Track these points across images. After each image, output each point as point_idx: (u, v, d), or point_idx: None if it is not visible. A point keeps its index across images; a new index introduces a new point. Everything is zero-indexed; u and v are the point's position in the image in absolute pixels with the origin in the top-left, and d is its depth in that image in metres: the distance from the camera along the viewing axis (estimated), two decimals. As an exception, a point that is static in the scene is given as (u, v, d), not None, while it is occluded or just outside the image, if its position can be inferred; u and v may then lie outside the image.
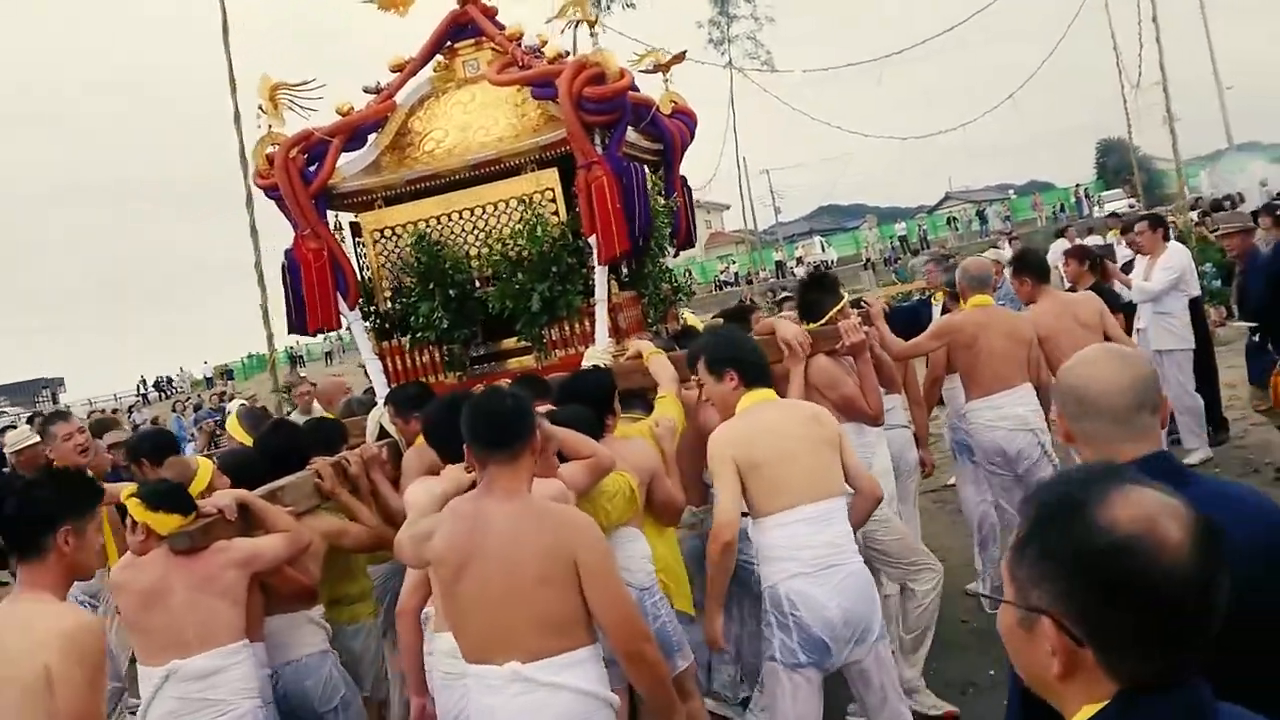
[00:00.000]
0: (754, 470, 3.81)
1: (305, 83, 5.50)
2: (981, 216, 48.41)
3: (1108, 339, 5.96)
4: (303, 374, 19.72)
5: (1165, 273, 8.12)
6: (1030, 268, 6.46)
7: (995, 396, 5.78)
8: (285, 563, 3.89)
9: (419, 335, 5.49)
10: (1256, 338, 7.53)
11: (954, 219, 51.72)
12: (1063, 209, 48.48)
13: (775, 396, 4.06)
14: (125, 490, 3.86)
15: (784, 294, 10.73)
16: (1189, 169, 38.92)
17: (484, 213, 5.50)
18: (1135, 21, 24.87)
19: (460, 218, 5.53)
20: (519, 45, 5.72)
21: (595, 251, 5.21)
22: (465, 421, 3.20)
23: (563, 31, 5.47)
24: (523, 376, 5.20)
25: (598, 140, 5.20)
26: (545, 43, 5.57)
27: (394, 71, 5.88)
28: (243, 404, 11.28)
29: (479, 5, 5.97)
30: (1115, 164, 63.17)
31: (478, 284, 5.51)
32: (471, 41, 5.96)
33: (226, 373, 52.66)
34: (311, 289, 5.41)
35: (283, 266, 5.54)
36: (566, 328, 5.44)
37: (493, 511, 3.11)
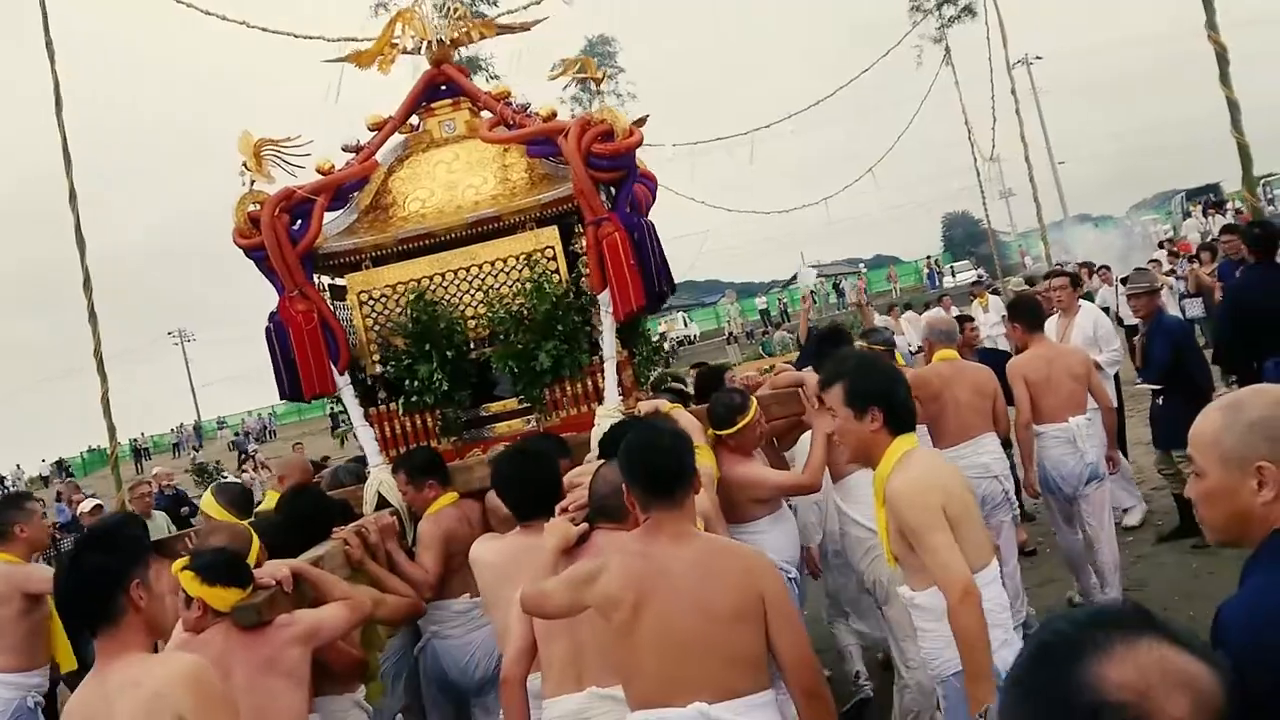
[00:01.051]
0: (956, 526, 3.38)
1: (290, 139, 5.26)
2: (838, 290, 49.98)
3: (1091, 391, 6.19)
4: (156, 470, 18.38)
5: (1109, 342, 8.14)
6: (1024, 315, 6.59)
7: (961, 446, 5.89)
8: (344, 634, 3.61)
9: (414, 399, 5.24)
10: (1160, 401, 7.45)
11: (814, 291, 53.46)
12: (932, 276, 50.87)
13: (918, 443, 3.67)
14: (177, 563, 3.51)
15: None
16: (1028, 240, 41.50)
17: (481, 272, 5.34)
18: (960, 105, 26.73)
19: (455, 277, 5.35)
20: (507, 104, 5.63)
21: (611, 308, 5.10)
22: (628, 465, 3.12)
23: (565, 87, 5.38)
24: (542, 435, 5.04)
25: (603, 196, 5.15)
26: (554, 113, 5.48)
27: (372, 130, 5.70)
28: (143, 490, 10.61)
29: (454, 65, 5.88)
30: (960, 236, 66.19)
31: (473, 345, 5.33)
32: (449, 101, 5.84)
33: (65, 469, 49.24)
34: (304, 352, 5.11)
35: (269, 330, 5.22)
36: (570, 387, 5.30)
37: (667, 554, 3.00)
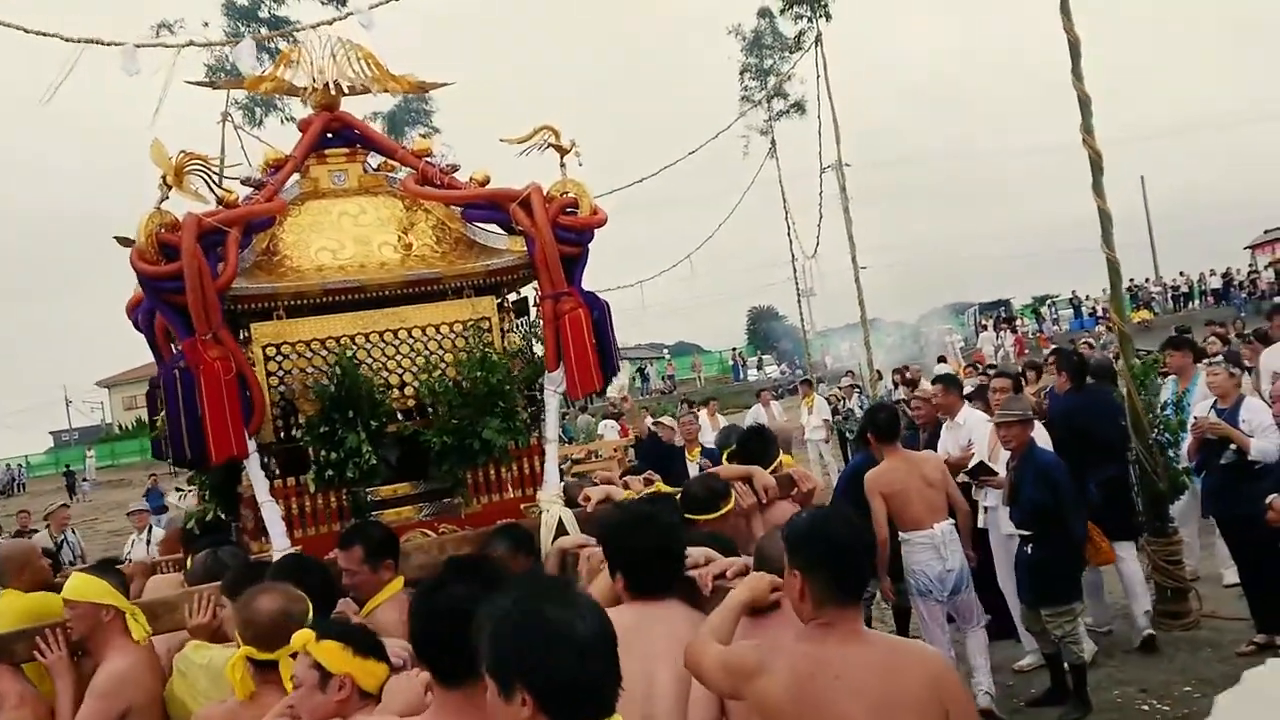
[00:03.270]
0: None
1: (210, 159, 4.46)
2: (643, 374, 49.15)
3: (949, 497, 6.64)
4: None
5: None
6: (880, 426, 6.78)
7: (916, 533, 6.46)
8: None
9: (329, 474, 4.53)
10: (1029, 549, 6.54)
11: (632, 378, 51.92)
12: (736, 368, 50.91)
13: None
14: (304, 634, 2.76)
15: None
16: (828, 339, 40.75)
17: (410, 336, 4.82)
18: (782, 200, 26.62)
19: (380, 339, 4.77)
20: (429, 162, 5.21)
21: (563, 387, 4.82)
22: (810, 555, 2.85)
23: (526, 154, 5.05)
24: (505, 526, 4.56)
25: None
26: (488, 178, 5.11)
27: (270, 168, 4.98)
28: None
29: (348, 115, 5.35)
30: (764, 331, 64.09)
31: (398, 417, 4.76)
32: (343, 151, 5.28)
33: None
34: (219, 408, 4.22)
35: (168, 379, 4.27)
36: (495, 471, 4.89)
37: (838, 657, 2.77)
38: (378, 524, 4.39)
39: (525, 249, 4.88)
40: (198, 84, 5.33)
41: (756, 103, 27.82)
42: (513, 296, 5.25)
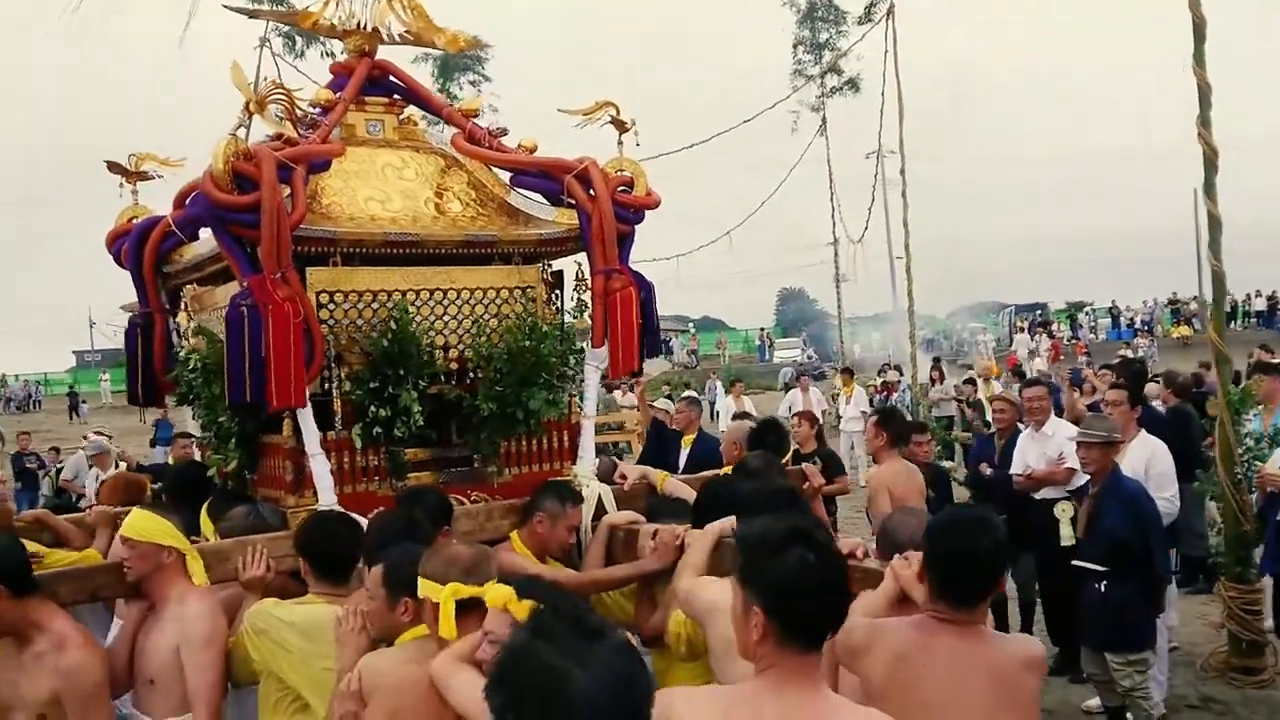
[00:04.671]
0: None
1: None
2: (667, 347, 46.50)
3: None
4: None
5: (1164, 486, 6.55)
6: (899, 430, 6.54)
7: None
8: None
9: (376, 431, 4.38)
10: (1103, 586, 5.72)
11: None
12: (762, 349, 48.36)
13: None
14: (502, 592, 2.71)
15: None
16: (858, 327, 38.56)
17: (458, 298, 4.71)
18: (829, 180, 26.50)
19: (430, 298, 4.64)
20: (477, 124, 5.09)
21: (605, 364, 4.82)
22: (940, 557, 2.99)
23: (582, 127, 4.98)
24: (549, 483, 4.53)
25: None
26: (536, 146, 5.03)
27: (321, 108, 4.76)
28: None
29: (391, 64, 5.18)
30: (793, 314, 61.53)
31: (440, 379, 4.64)
32: (382, 100, 5.10)
33: None
34: (285, 352, 4.00)
35: (237, 315, 4.00)
36: (527, 442, 4.83)
37: (943, 647, 2.94)
38: (432, 490, 4.30)
39: (573, 221, 4.86)
40: (235, 9, 5.01)
41: (810, 77, 26.51)
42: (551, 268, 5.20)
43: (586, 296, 4.86)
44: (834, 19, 27.29)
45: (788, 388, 24.49)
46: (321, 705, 3.39)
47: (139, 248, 5.07)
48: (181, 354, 4.72)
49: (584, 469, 4.82)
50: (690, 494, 4.73)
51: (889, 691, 2.89)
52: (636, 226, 4.96)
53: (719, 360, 47.13)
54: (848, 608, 2.45)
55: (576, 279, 4.95)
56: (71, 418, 38.28)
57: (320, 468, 4.25)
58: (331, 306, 4.43)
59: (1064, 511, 6.71)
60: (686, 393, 7.40)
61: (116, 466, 10.81)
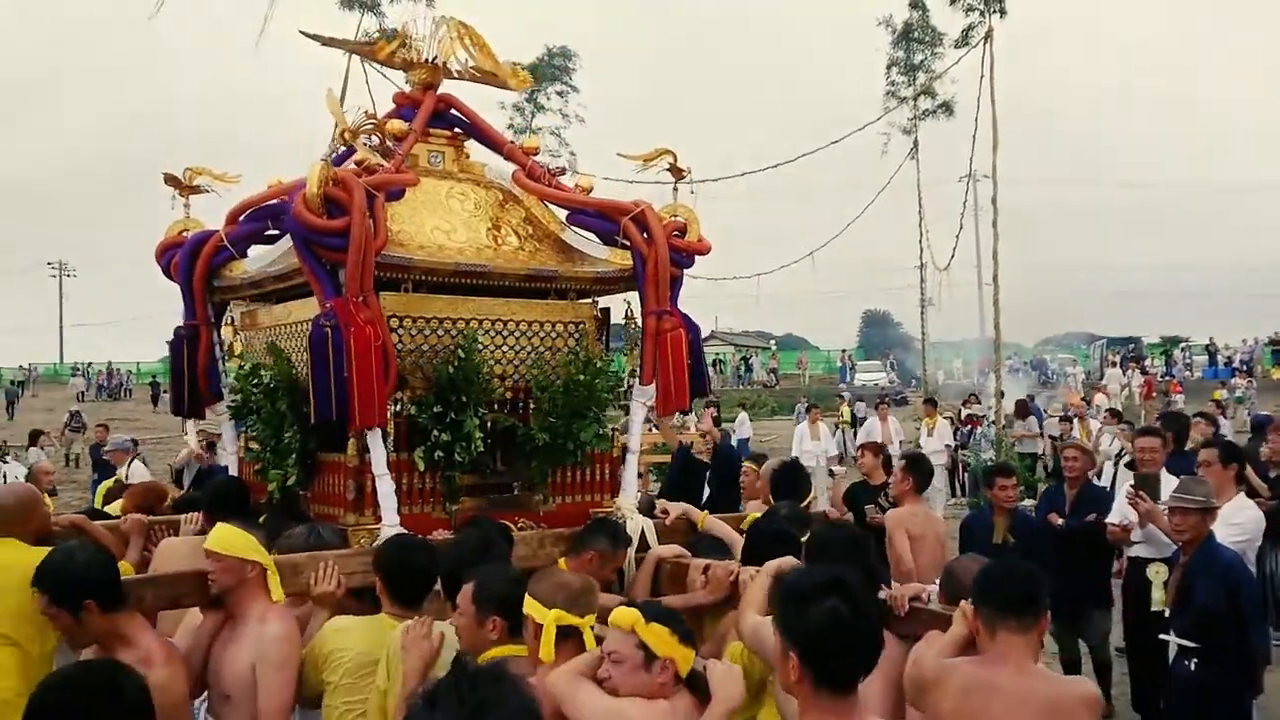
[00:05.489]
0: None
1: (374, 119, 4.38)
2: (746, 364, 45.88)
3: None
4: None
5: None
6: (917, 471, 6.61)
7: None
8: None
9: (436, 455, 4.50)
10: (1192, 664, 5.17)
11: (720, 361, 47.40)
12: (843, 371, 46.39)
13: None
14: (629, 615, 2.85)
15: None
16: (940, 352, 36.43)
17: (517, 329, 4.85)
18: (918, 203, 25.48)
19: (492, 328, 4.79)
20: (537, 162, 5.27)
21: (653, 401, 4.99)
22: (983, 581, 3.26)
23: (639, 171, 5.17)
24: (601, 520, 4.66)
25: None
26: (591, 187, 5.22)
27: (393, 138, 4.89)
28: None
29: (456, 99, 5.36)
30: (876, 337, 59.32)
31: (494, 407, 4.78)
32: (444, 133, 5.27)
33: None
34: (367, 372, 4.12)
35: (317, 336, 4.11)
36: (570, 472, 4.98)
37: (1006, 682, 3.13)
38: (489, 518, 4.44)
39: (626, 261, 5.03)
40: (311, 36, 5.14)
41: (903, 99, 26.09)
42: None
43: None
44: (930, 40, 26.70)
45: (857, 417, 23.82)
46: None
47: (191, 261, 5.14)
48: (243, 368, 4.80)
49: (627, 502, 4.97)
50: (729, 533, 4.90)
51: None
52: (686, 270, 5.15)
53: (799, 380, 45.79)
54: (879, 654, 2.60)
55: (625, 317, 5.13)
56: (155, 406, 39.93)
57: (386, 488, 4.35)
58: (400, 331, 4.55)
59: (1157, 574, 6.19)
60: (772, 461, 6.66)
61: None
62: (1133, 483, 6.43)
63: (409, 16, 5.23)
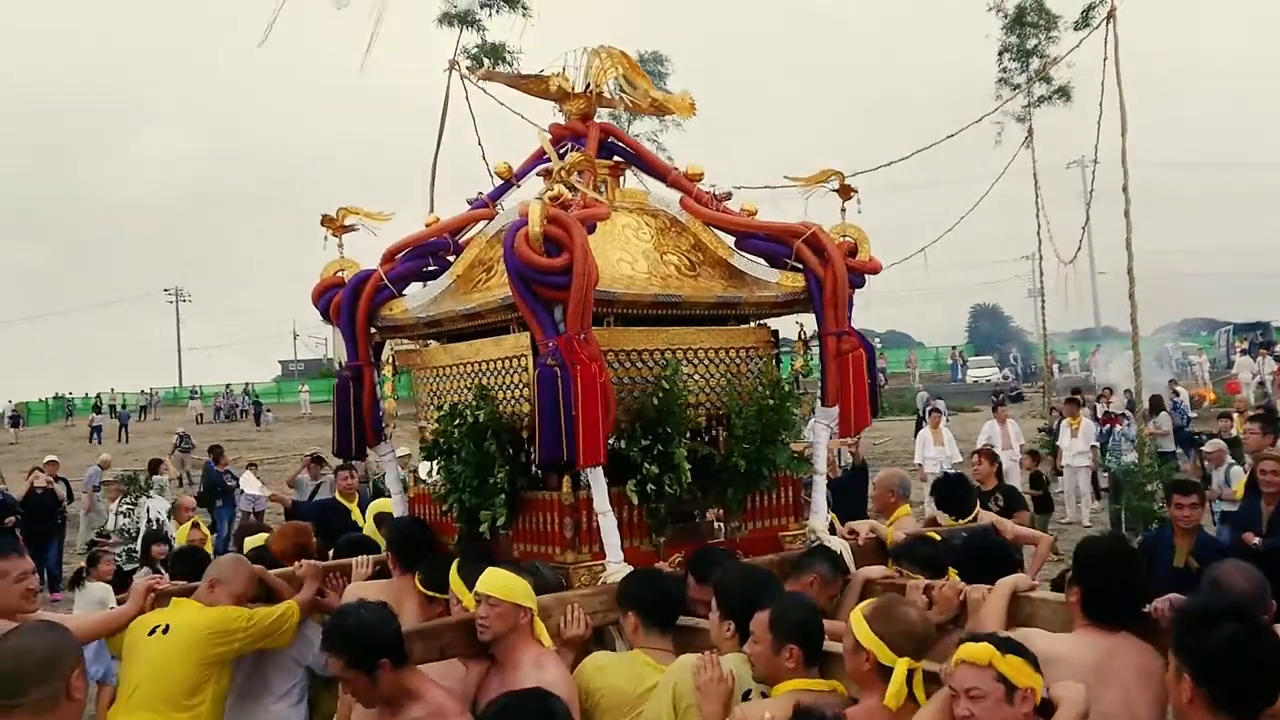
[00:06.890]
0: None
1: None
2: None
3: None
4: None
5: None
6: (950, 500, 6.02)
7: None
8: None
9: (649, 488, 4.49)
10: None
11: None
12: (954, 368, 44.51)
13: None
14: (985, 650, 2.88)
15: None
16: (1058, 345, 35.51)
17: (707, 356, 4.86)
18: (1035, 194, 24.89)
19: (685, 357, 4.78)
20: (702, 189, 5.26)
21: (834, 422, 5.00)
22: (1089, 569, 3.48)
23: (807, 197, 5.18)
24: (820, 548, 4.67)
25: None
26: (755, 210, 5.24)
27: (575, 172, 4.86)
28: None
29: (618, 129, 5.37)
30: (986, 331, 57.31)
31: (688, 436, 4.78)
32: (608, 164, 5.26)
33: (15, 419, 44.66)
34: (592, 410, 4.11)
35: (545, 374, 4.09)
36: (759, 498, 4.99)
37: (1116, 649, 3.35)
38: (713, 549, 4.44)
39: (798, 284, 5.04)
40: (472, 78, 5.12)
41: (1018, 86, 24.99)
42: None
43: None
44: (1045, 23, 25.42)
45: (920, 419, 22.89)
46: None
47: (353, 302, 5.10)
48: (443, 408, 4.77)
49: (819, 524, 4.98)
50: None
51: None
52: (858, 290, 5.17)
53: (908, 379, 43.76)
54: None
55: (802, 339, 5.15)
56: (258, 424, 43.53)
57: (609, 524, 4.34)
58: (611, 367, 4.53)
59: None
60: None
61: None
62: None
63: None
